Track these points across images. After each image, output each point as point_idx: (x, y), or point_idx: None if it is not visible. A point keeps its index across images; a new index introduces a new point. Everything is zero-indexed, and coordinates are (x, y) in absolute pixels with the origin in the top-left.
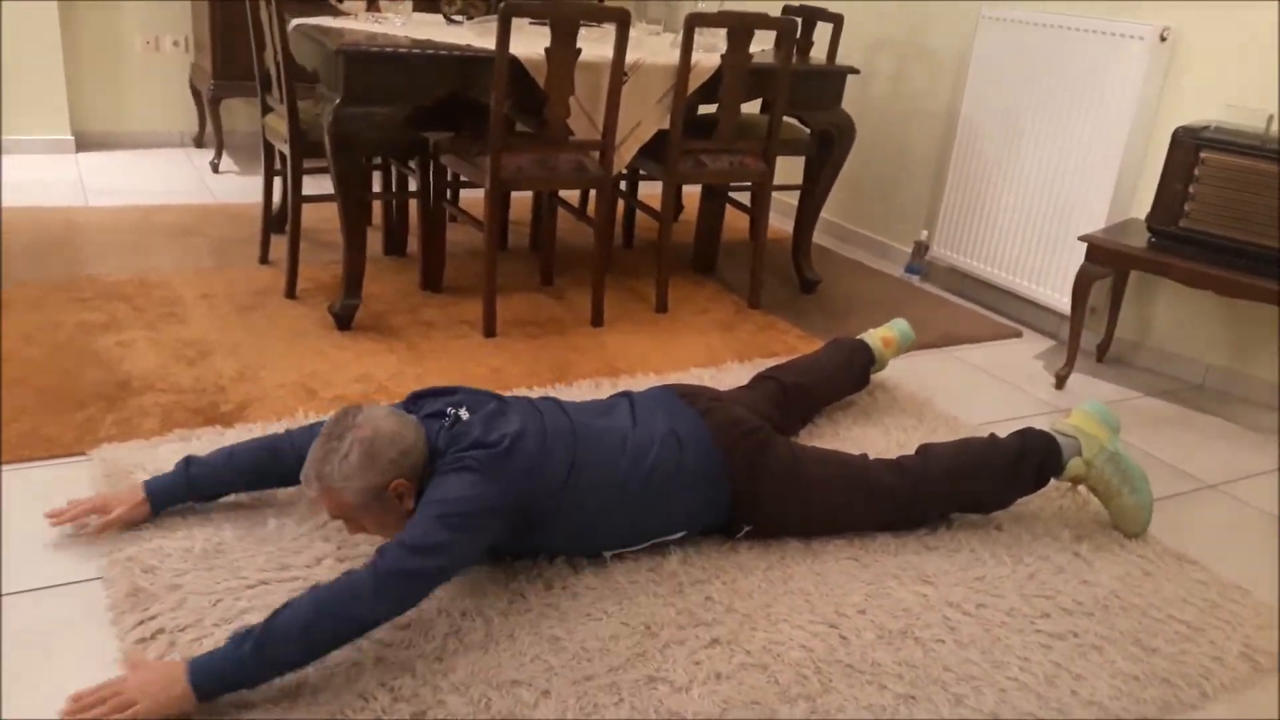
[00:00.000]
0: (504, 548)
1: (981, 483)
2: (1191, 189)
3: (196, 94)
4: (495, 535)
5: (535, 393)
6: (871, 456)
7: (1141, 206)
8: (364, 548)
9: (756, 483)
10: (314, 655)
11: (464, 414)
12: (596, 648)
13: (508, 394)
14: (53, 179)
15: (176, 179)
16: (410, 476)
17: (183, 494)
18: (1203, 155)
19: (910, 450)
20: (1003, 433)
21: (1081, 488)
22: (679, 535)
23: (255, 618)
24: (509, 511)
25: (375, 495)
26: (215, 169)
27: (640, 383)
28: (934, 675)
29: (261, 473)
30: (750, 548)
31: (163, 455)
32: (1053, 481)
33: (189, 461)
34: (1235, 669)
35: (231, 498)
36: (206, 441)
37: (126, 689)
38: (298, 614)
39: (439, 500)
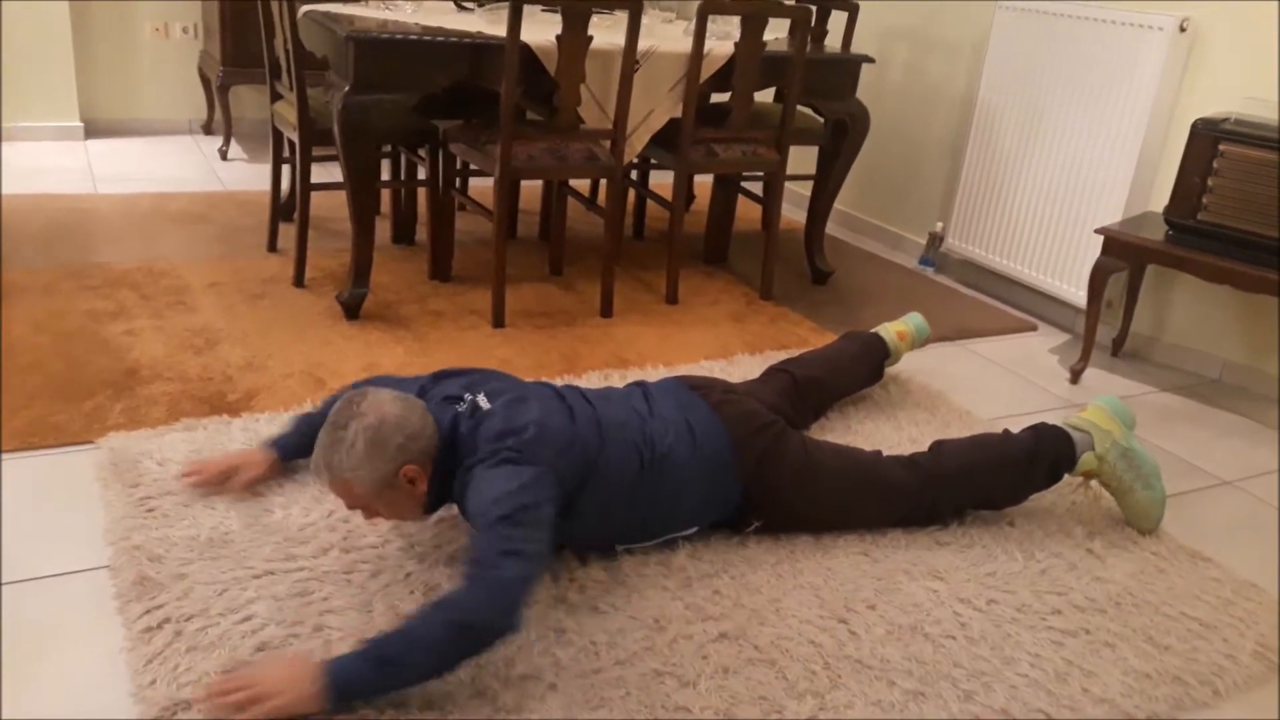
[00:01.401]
0: None
1: (994, 478)
2: (1210, 182)
3: (205, 81)
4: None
5: None
6: (884, 451)
7: (1159, 199)
8: (369, 538)
9: (768, 476)
10: (443, 669)
11: (483, 401)
12: (604, 641)
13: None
14: (62, 166)
15: (185, 166)
16: (420, 460)
17: (307, 447)
18: (1222, 148)
19: (923, 444)
20: (1016, 428)
21: (1094, 482)
22: (691, 531)
23: (262, 608)
24: (556, 488)
25: (386, 482)
26: (224, 156)
27: (650, 374)
28: (944, 671)
29: None
30: (759, 542)
31: (170, 444)
32: (1065, 477)
33: (303, 418)
34: (1248, 667)
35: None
36: (213, 431)
37: (263, 681)
38: (423, 627)
39: (493, 501)
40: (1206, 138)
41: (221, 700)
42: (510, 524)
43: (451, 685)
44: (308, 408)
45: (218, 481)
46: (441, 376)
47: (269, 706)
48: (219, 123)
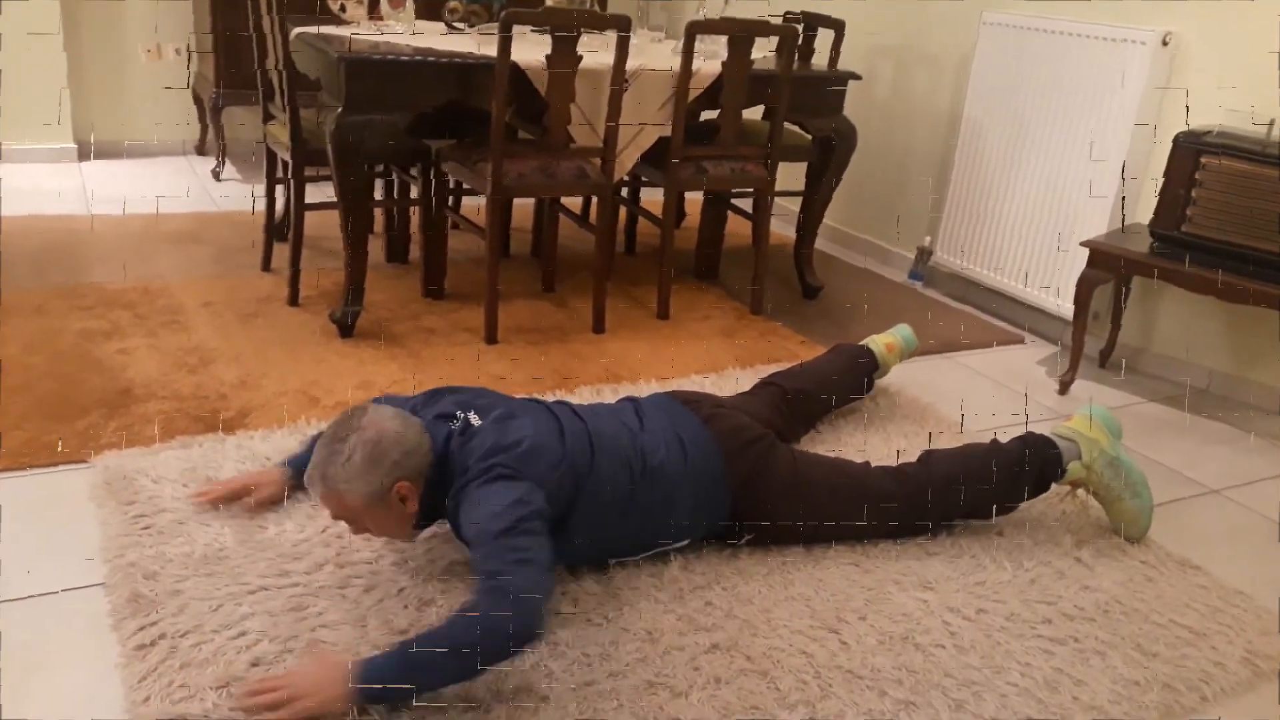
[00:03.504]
0: None
1: (983, 488)
2: (1194, 194)
3: (199, 102)
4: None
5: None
6: (873, 463)
7: (1144, 212)
8: (363, 553)
9: (758, 489)
10: (470, 673)
11: (474, 418)
12: (597, 653)
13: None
14: (56, 188)
15: (179, 187)
16: (413, 478)
17: None
18: (1204, 160)
19: (912, 456)
20: (1005, 439)
21: (1081, 491)
22: (683, 543)
23: (256, 623)
24: (547, 504)
25: (378, 498)
26: (217, 177)
27: (642, 389)
28: (934, 680)
29: None
30: (751, 554)
31: (164, 462)
32: (1053, 486)
33: (317, 438)
34: (1236, 673)
35: (233, 505)
36: (208, 449)
37: (295, 683)
38: (452, 631)
39: (491, 517)
40: (1189, 150)
41: (254, 701)
42: (513, 534)
43: (445, 698)
44: (302, 426)
45: (230, 500)
46: (433, 396)
47: (299, 707)
48: (212, 143)
